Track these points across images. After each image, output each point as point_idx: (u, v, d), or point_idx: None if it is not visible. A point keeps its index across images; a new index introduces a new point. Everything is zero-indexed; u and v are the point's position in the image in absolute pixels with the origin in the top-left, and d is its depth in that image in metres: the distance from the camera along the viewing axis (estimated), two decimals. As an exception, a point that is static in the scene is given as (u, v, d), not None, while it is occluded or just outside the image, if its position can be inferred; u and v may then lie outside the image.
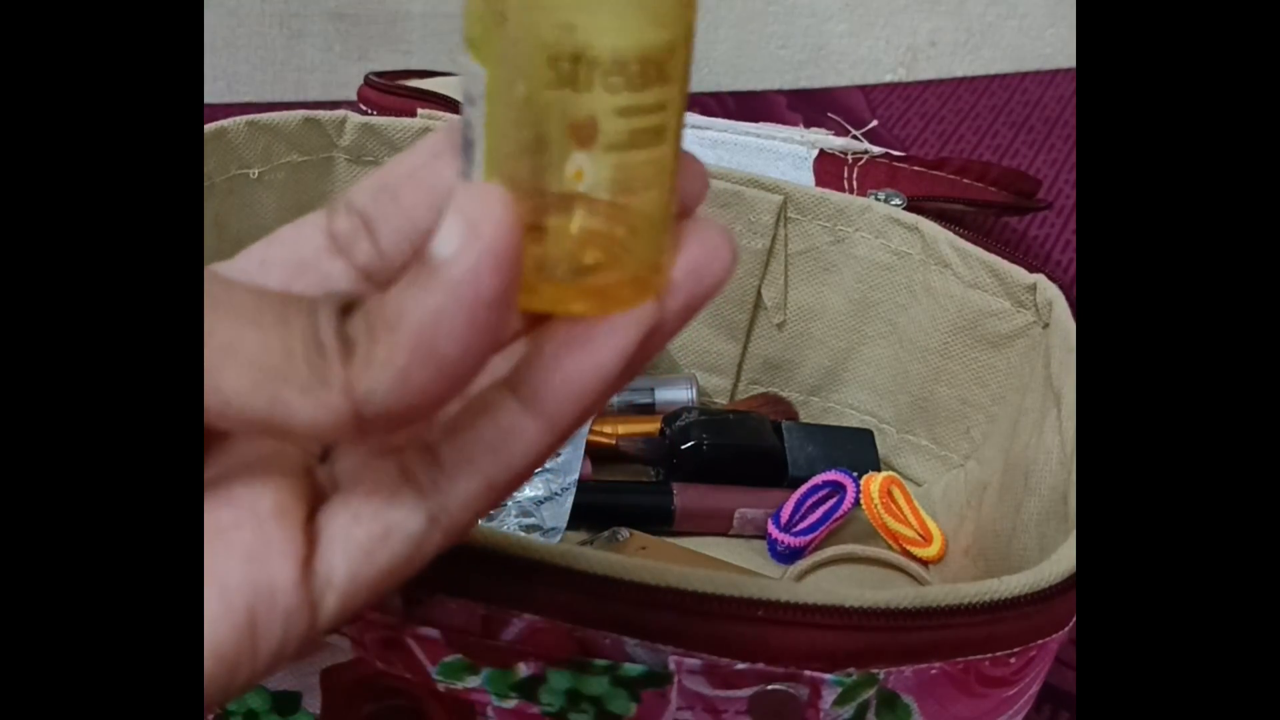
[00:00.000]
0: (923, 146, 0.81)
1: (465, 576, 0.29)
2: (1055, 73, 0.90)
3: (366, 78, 0.56)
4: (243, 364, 0.19)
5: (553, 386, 0.20)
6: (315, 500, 0.22)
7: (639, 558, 0.42)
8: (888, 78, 0.87)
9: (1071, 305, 0.45)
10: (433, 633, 0.30)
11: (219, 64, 0.80)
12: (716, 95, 0.85)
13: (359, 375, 0.19)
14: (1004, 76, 0.89)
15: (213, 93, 0.80)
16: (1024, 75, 0.89)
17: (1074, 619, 0.32)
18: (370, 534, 0.21)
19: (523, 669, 0.30)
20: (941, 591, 0.29)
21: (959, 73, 0.89)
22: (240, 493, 0.21)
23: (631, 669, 0.30)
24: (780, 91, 0.86)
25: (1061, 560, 0.31)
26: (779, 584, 0.29)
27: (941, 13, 0.86)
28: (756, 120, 0.62)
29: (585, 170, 0.20)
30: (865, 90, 0.86)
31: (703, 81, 0.86)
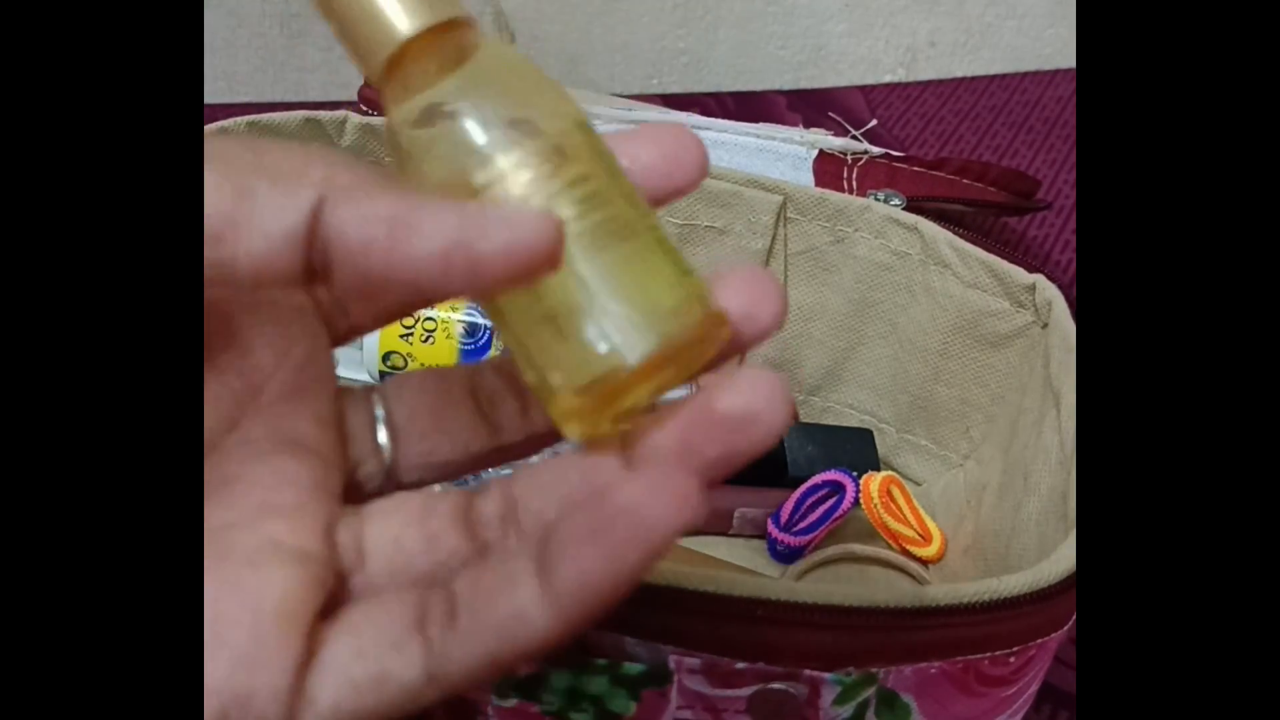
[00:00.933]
0: (922, 146, 0.81)
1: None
2: (1055, 73, 0.90)
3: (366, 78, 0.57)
4: (220, 162, 0.19)
5: (571, 584, 0.20)
6: (331, 589, 0.21)
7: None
8: (887, 78, 0.87)
9: (1071, 305, 0.45)
10: None
11: (219, 64, 0.79)
12: (716, 95, 0.85)
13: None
14: (1003, 77, 0.89)
15: (213, 93, 0.80)
16: (1023, 75, 0.89)
17: (1073, 618, 0.32)
18: (367, 674, 0.20)
19: (522, 668, 0.30)
20: (941, 591, 0.29)
21: (958, 73, 0.89)
22: (247, 579, 0.20)
23: (631, 668, 0.30)
24: (780, 92, 0.86)
25: (1061, 560, 0.31)
26: (779, 584, 0.29)
27: (941, 13, 0.86)
28: (757, 120, 0.62)
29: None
30: (865, 90, 0.86)
31: (703, 81, 0.86)
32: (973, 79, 0.89)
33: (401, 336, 0.51)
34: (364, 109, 0.56)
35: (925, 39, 0.87)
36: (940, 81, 0.88)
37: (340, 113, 0.52)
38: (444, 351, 0.51)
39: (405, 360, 0.51)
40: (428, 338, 0.51)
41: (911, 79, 0.88)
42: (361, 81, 0.58)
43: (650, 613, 0.29)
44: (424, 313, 0.50)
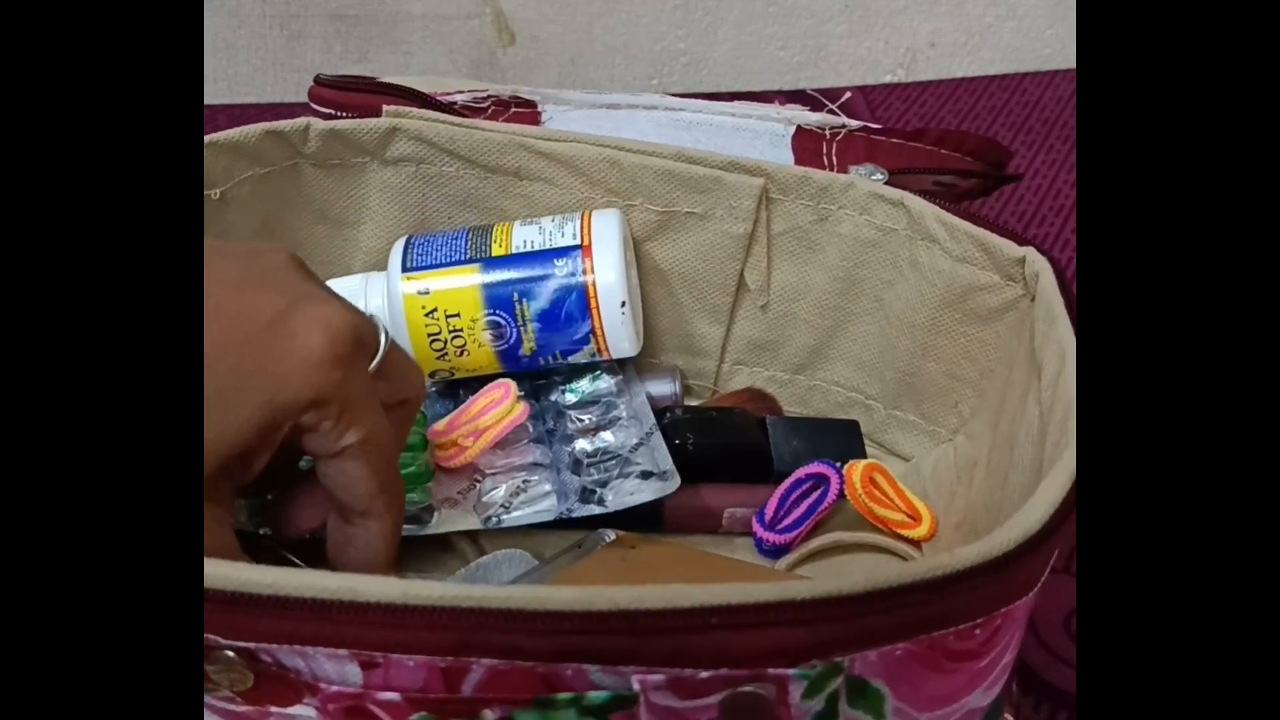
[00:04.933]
0: None
1: (417, 636, 0.29)
2: (1054, 73, 0.90)
3: (316, 78, 0.55)
4: None
5: None
6: None
7: (624, 559, 0.42)
8: (887, 79, 0.87)
9: (1062, 280, 0.44)
10: (393, 696, 0.30)
11: (219, 65, 0.80)
12: (716, 95, 0.85)
13: None
14: (1003, 77, 0.90)
15: (213, 93, 0.81)
16: (1023, 76, 0.90)
17: (1036, 586, 0.31)
18: None
19: (488, 716, 0.30)
20: (892, 572, 0.29)
21: (958, 74, 0.89)
22: None
23: (596, 697, 0.29)
24: (780, 92, 0.86)
25: (1014, 527, 0.30)
26: (730, 588, 0.28)
27: (941, 14, 0.86)
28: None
29: None
30: (865, 91, 0.86)
31: (703, 82, 0.86)
32: (972, 79, 0.89)
33: (438, 357, 0.51)
34: (320, 111, 0.55)
35: (925, 40, 0.87)
36: (940, 82, 0.89)
37: (301, 120, 0.52)
38: (483, 356, 0.51)
39: (451, 372, 0.52)
40: (461, 352, 0.50)
41: (911, 79, 0.88)
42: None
43: (607, 639, 0.28)
44: (447, 330, 0.50)
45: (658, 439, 0.47)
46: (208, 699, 0.31)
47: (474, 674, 0.29)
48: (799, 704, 0.30)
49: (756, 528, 0.48)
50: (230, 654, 0.29)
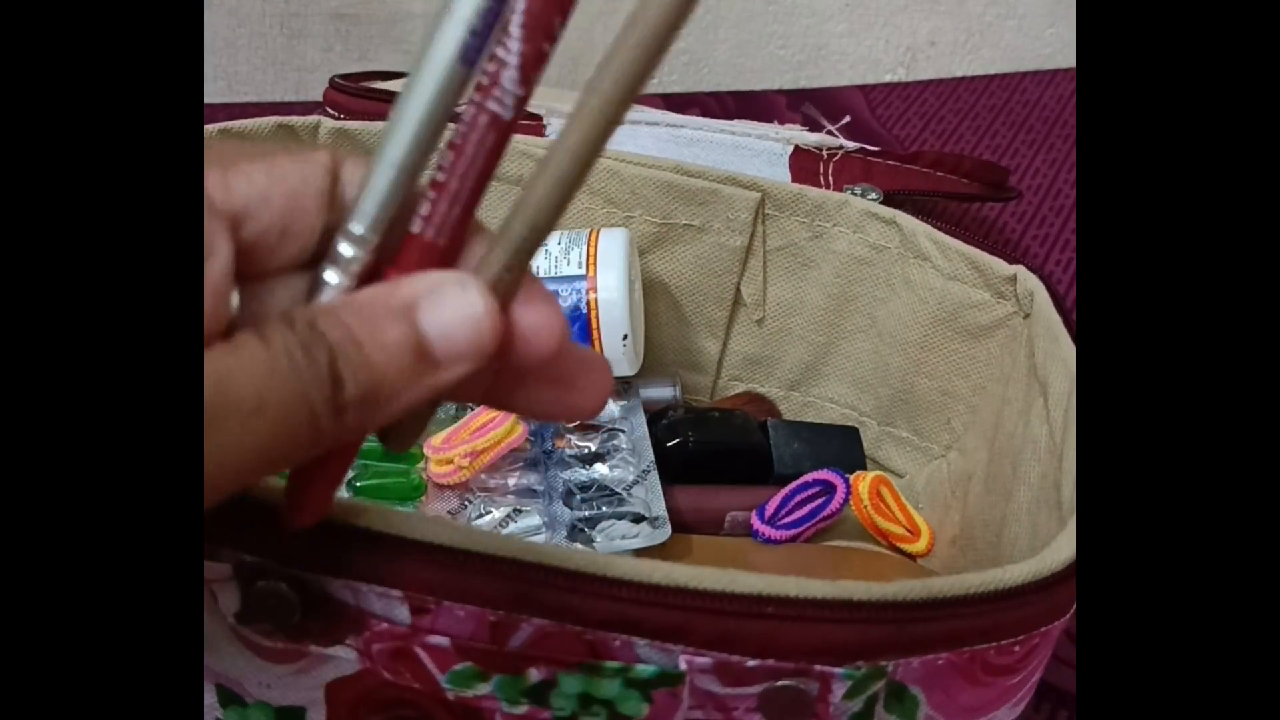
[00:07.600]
0: (922, 146, 0.81)
1: (473, 583, 0.29)
2: (1054, 73, 0.90)
3: (331, 80, 0.56)
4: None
5: None
6: None
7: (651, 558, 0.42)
8: (887, 78, 0.88)
9: (1054, 296, 0.46)
10: (442, 641, 0.30)
11: (219, 64, 0.79)
12: (716, 95, 0.85)
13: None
14: (1003, 76, 0.90)
15: (213, 92, 0.80)
16: (1023, 75, 0.90)
17: (1074, 606, 0.32)
18: None
19: (533, 674, 0.30)
20: (948, 583, 0.29)
21: (958, 73, 0.89)
22: None
23: (644, 670, 0.30)
24: (780, 91, 0.86)
25: (1061, 548, 0.31)
26: (788, 580, 0.29)
27: (941, 13, 0.87)
28: (756, 120, 0.62)
29: None
30: (865, 90, 0.86)
31: (703, 81, 0.86)
32: (973, 79, 0.89)
33: None
34: (331, 113, 0.55)
35: (925, 39, 0.87)
36: (940, 81, 0.89)
37: (313, 118, 0.52)
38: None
39: None
40: None
41: (911, 79, 0.88)
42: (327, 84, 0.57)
43: (660, 613, 0.29)
44: None
45: (654, 479, 0.48)
46: (245, 633, 0.31)
47: (522, 632, 0.29)
48: (839, 703, 0.30)
49: (755, 521, 0.48)
50: (283, 585, 0.29)
